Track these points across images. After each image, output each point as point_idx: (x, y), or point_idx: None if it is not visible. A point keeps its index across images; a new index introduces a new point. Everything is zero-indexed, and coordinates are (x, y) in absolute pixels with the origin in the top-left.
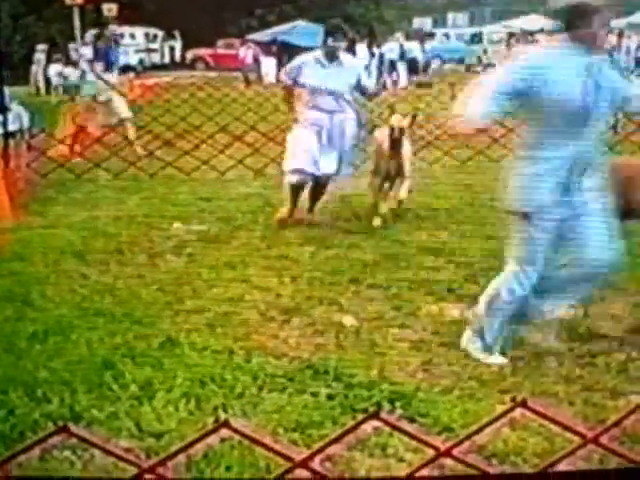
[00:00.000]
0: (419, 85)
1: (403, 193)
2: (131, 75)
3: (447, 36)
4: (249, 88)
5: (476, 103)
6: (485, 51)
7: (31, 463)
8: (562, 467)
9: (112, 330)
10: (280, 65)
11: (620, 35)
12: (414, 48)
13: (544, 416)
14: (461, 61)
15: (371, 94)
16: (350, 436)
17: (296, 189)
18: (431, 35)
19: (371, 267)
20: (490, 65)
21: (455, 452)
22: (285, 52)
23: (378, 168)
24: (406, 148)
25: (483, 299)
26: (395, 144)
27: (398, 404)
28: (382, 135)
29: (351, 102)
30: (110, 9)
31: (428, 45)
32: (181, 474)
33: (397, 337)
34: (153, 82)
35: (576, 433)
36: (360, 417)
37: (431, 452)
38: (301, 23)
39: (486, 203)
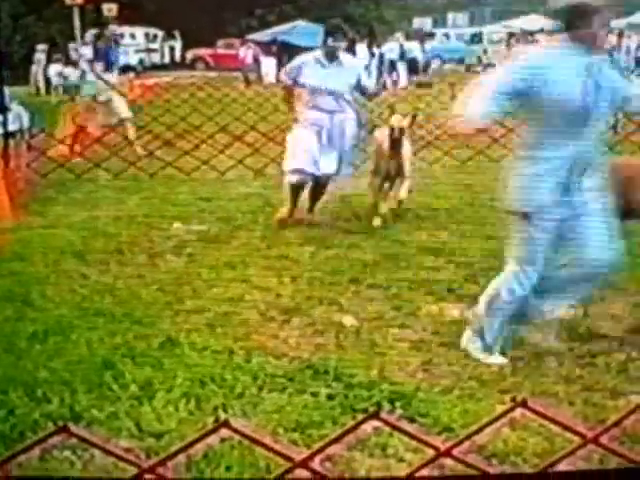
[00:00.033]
0: (419, 85)
1: (403, 193)
2: (131, 75)
3: (447, 36)
4: (249, 88)
5: (476, 103)
6: (485, 51)
7: (31, 463)
8: (562, 467)
9: (112, 330)
10: (280, 65)
11: (620, 35)
12: (414, 48)
13: (544, 416)
14: (461, 61)
15: (371, 94)
16: (350, 436)
17: (296, 189)
18: (431, 35)
19: (371, 267)
20: (490, 65)
21: (455, 452)
22: (285, 52)
23: (378, 168)
24: (406, 148)
25: (483, 299)
26: (395, 144)
27: (398, 404)
28: (382, 135)
29: (351, 102)
30: (110, 9)
31: (428, 45)
32: (181, 474)
33: (397, 337)
34: (153, 82)
35: (576, 433)
36: (360, 417)
37: (431, 452)
38: (301, 23)
39: (486, 203)
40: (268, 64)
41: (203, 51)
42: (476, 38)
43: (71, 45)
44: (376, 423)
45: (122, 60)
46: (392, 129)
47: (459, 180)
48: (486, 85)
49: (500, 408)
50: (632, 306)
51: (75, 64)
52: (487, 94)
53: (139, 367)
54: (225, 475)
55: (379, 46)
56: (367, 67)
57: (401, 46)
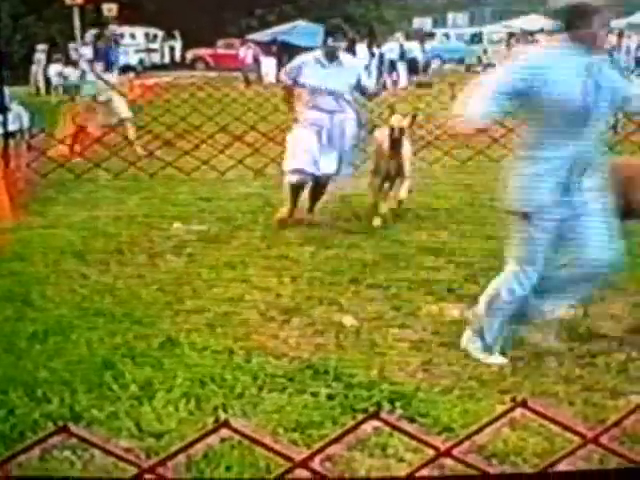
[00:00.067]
0: (419, 85)
1: (403, 193)
2: (131, 75)
3: (447, 36)
4: (249, 88)
5: (476, 103)
6: (485, 51)
7: (31, 463)
8: (562, 467)
9: (112, 330)
10: (280, 65)
11: (620, 35)
12: (414, 48)
13: (544, 416)
14: (461, 61)
15: (371, 94)
16: (350, 436)
17: (296, 189)
18: (431, 35)
19: (371, 267)
20: (490, 65)
21: (455, 452)
22: (285, 52)
23: (378, 168)
24: (406, 148)
25: (483, 299)
26: (395, 144)
27: (398, 404)
28: (382, 135)
29: (351, 102)
30: (110, 9)
31: (428, 45)
32: (181, 474)
33: (397, 337)
34: (153, 82)
35: (576, 433)
36: (360, 417)
37: (431, 452)
38: (301, 23)
39: (486, 203)
40: (268, 64)
41: (203, 51)
42: (476, 38)
43: (71, 45)
44: (376, 423)
45: (122, 60)
46: (392, 129)
47: (459, 180)
48: (486, 85)
49: (500, 408)
50: (632, 306)
51: (75, 64)
52: (487, 94)
53: (139, 367)
54: (225, 475)
55: (379, 46)
56: (367, 67)
57: (401, 46)
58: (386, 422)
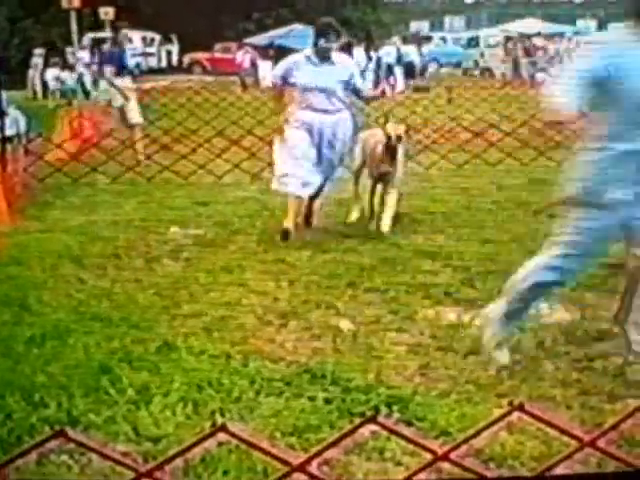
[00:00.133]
0: (416, 89)
1: (393, 200)
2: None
3: (444, 40)
4: (246, 92)
5: (559, 93)
6: (482, 55)
7: (28, 467)
8: (560, 471)
9: (109, 334)
10: None
11: None
12: (411, 52)
13: (541, 420)
14: (458, 65)
15: (368, 98)
16: (347, 440)
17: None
18: (428, 39)
19: (368, 271)
20: (487, 69)
21: (452, 456)
22: (282, 56)
23: (369, 172)
24: (400, 157)
25: (510, 283)
26: (391, 152)
27: (395, 408)
28: (372, 138)
29: (346, 103)
30: (107, 13)
31: (425, 49)
32: (178, 478)
33: (394, 341)
34: (150, 86)
35: (573, 437)
36: (357, 421)
37: (428, 456)
38: (298, 27)
39: (483, 207)
40: (265, 68)
41: (200, 55)
42: (473, 42)
43: (68, 49)
44: (373, 427)
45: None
46: (389, 137)
47: (455, 184)
48: (567, 75)
49: (497, 412)
50: None
51: (72, 68)
52: (568, 84)
53: (136, 371)
54: (222, 479)
55: (376, 50)
56: (364, 71)
57: (398, 50)
58: (383, 426)
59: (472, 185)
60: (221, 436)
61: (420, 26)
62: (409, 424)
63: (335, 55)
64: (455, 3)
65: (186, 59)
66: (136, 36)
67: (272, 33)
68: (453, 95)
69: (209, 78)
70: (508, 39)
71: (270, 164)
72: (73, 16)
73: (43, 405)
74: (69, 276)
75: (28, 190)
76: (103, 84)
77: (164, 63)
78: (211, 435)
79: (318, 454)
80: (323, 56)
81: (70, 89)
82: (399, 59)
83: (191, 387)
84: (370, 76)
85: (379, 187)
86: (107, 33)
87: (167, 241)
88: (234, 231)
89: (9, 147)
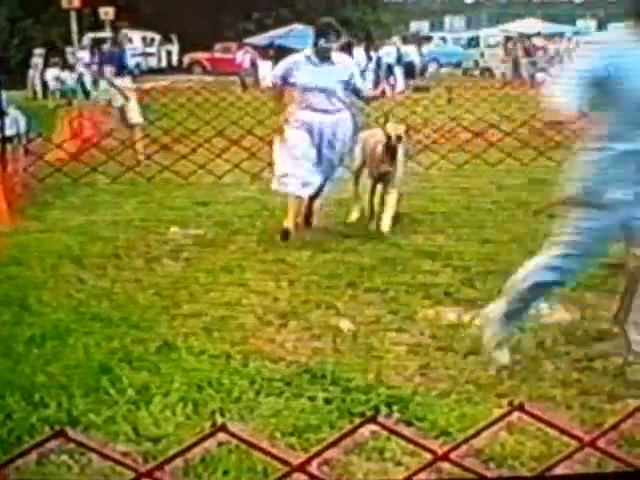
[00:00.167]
0: (416, 89)
1: (393, 200)
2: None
3: (444, 40)
4: (246, 92)
5: (559, 93)
6: (482, 55)
7: (28, 467)
8: (560, 471)
9: (109, 334)
10: None
11: None
12: (411, 52)
13: (541, 420)
14: (458, 65)
15: (368, 98)
16: (347, 440)
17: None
18: (428, 39)
19: (368, 271)
20: (487, 69)
21: (452, 456)
22: (282, 56)
23: (369, 172)
24: (400, 156)
25: (511, 283)
26: (391, 152)
27: (395, 408)
28: (372, 138)
29: (347, 103)
30: (107, 13)
31: (425, 49)
32: (178, 478)
33: (394, 341)
34: (150, 86)
35: (573, 437)
36: (357, 421)
37: (428, 456)
38: (298, 27)
39: (483, 207)
40: (265, 68)
41: (200, 55)
42: (473, 42)
43: (68, 49)
44: (373, 427)
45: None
46: (389, 137)
47: (455, 184)
48: (567, 74)
49: (497, 412)
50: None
51: (72, 68)
52: (569, 84)
53: (136, 371)
54: (222, 479)
55: (376, 50)
56: (364, 71)
57: (398, 50)
58: (383, 426)
59: (472, 185)
60: (221, 436)
61: (420, 26)
62: (409, 424)
63: (335, 55)
64: (455, 3)
65: (186, 59)
66: (136, 36)
67: (272, 33)
68: (453, 95)
69: (209, 78)
70: (508, 39)
71: (270, 164)
72: (73, 16)
73: (43, 405)
74: (69, 276)
75: (28, 190)
76: (103, 84)
77: (164, 63)
78: (211, 435)
79: (318, 454)
80: (323, 56)
81: (70, 89)
82: (399, 59)
83: (191, 387)
84: (370, 76)
85: (379, 187)
86: (107, 33)
87: (167, 241)
88: (234, 231)
89: (9, 147)
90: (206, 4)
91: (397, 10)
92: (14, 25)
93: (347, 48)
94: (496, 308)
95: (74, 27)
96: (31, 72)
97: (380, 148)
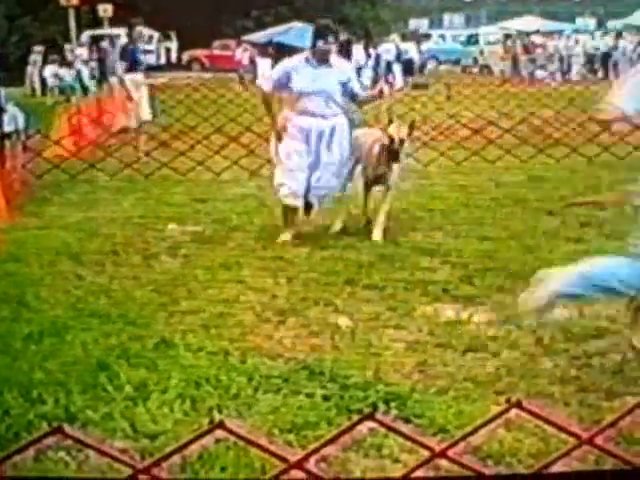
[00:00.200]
0: (415, 86)
1: (387, 205)
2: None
3: (443, 37)
4: (245, 89)
5: (615, 93)
6: (481, 52)
7: (26, 464)
8: (557, 468)
9: (107, 331)
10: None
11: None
12: (410, 49)
13: (539, 417)
14: (457, 62)
15: (362, 100)
16: (345, 437)
17: (291, 210)
18: (427, 36)
19: (366, 268)
20: (486, 66)
21: (450, 453)
22: (281, 53)
23: (364, 173)
24: (401, 160)
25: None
26: (392, 155)
27: (393, 405)
28: (370, 137)
29: (344, 107)
30: (105, 10)
31: (424, 46)
32: (176, 475)
33: (392, 338)
34: (148, 83)
35: (571, 434)
36: (355, 418)
37: (426, 453)
38: (297, 24)
39: (481, 204)
40: (264, 65)
41: (199, 52)
42: (472, 39)
43: (67, 46)
44: (371, 424)
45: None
46: (392, 139)
47: (454, 181)
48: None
49: (495, 409)
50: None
51: (71, 65)
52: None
53: (134, 368)
54: (220, 476)
55: (375, 47)
56: (362, 68)
57: (397, 47)
58: (381, 423)
59: (471, 182)
60: (219, 433)
61: (419, 23)
62: (407, 421)
63: (333, 58)
64: (454, 1)
65: (185, 56)
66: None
67: (271, 31)
68: (452, 92)
69: (208, 75)
70: (507, 37)
71: (269, 161)
72: (71, 13)
73: (41, 401)
74: (67, 273)
75: (26, 187)
76: (114, 80)
77: (163, 60)
78: (209, 432)
79: (316, 451)
80: (322, 58)
81: (68, 86)
82: (398, 56)
83: (189, 384)
84: (369, 73)
85: (373, 189)
86: (105, 30)
87: (165, 238)
88: (232, 228)
89: (7, 144)
90: (205, 1)
91: (396, 7)
92: (13, 22)
93: (346, 46)
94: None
95: (72, 24)
96: (29, 69)
97: (377, 149)
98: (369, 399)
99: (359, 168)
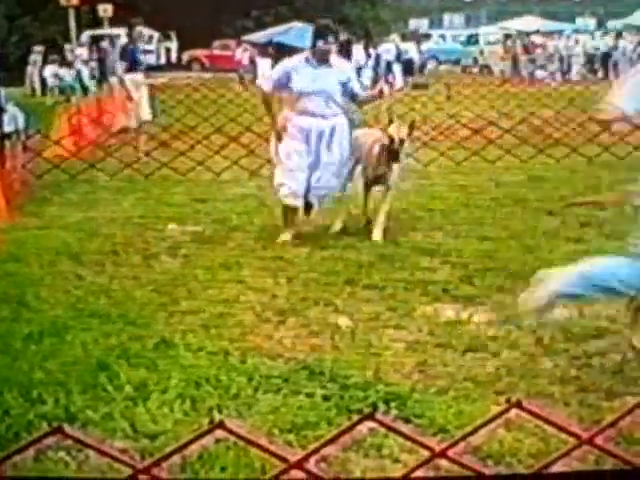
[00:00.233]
0: (415, 86)
1: (387, 205)
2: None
3: (443, 37)
4: (245, 89)
5: (623, 93)
6: (481, 52)
7: (26, 464)
8: (557, 468)
9: (107, 331)
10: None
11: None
12: (410, 49)
13: (539, 417)
14: (457, 62)
15: (361, 100)
16: (345, 437)
17: (292, 210)
18: (427, 36)
19: (366, 268)
20: (486, 66)
21: (450, 453)
22: (281, 53)
23: (364, 174)
24: (401, 160)
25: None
26: (393, 155)
27: (393, 405)
28: (370, 137)
29: (344, 107)
30: (105, 10)
31: (424, 46)
32: (176, 475)
33: (392, 338)
34: (148, 83)
35: (571, 434)
36: (355, 418)
37: (426, 453)
38: (297, 24)
39: (481, 204)
40: (264, 65)
41: (199, 52)
42: (472, 39)
43: (67, 46)
44: (371, 424)
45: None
46: (392, 140)
47: (454, 181)
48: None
49: (495, 409)
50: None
51: (70, 65)
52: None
53: (134, 368)
54: (220, 476)
55: (375, 47)
56: (362, 68)
57: (397, 47)
58: (381, 423)
59: (471, 182)
60: (219, 433)
61: (419, 23)
62: (407, 421)
63: (333, 58)
64: (454, 1)
65: (185, 56)
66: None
67: (271, 31)
68: (452, 92)
69: (208, 75)
70: (507, 37)
71: (269, 161)
72: (71, 13)
73: (41, 401)
74: (67, 273)
75: (26, 187)
76: (114, 80)
77: (163, 60)
78: (209, 432)
79: (316, 451)
80: (322, 58)
81: (68, 86)
82: (398, 56)
83: (189, 384)
84: (369, 73)
85: (373, 189)
86: (105, 30)
87: (165, 238)
88: (232, 228)
89: (7, 144)
90: (205, 1)
91: (396, 7)
92: (13, 22)
93: (346, 46)
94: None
95: (72, 24)
96: (30, 69)
97: (377, 149)
98: (369, 399)
99: (359, 168)
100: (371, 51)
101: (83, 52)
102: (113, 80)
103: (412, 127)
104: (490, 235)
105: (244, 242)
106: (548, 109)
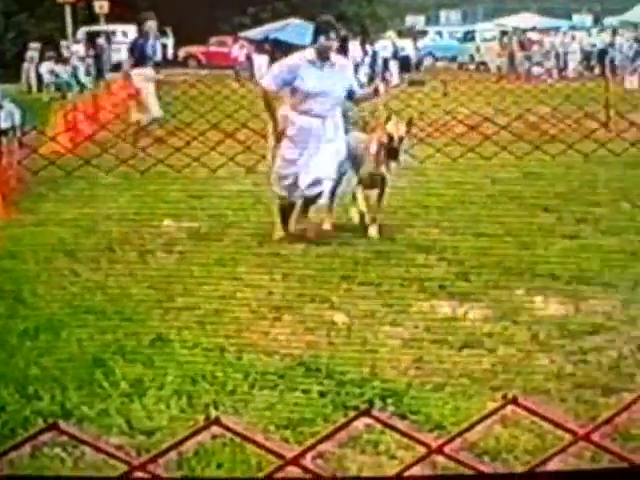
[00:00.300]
0: (411, 83)
1: (383, 202)
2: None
3: (440, 34)
4: (241, 86)
5: None
6: (478, 49)
7: (22, 460)
8: (554, 464)
9: (103, 328)
10: (272, 63)
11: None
12: (407, 46)
13: (535, 413)
14: (454, 59)
15: (358, 99)
16: (342, 433)
17: (288, 207)
18: (424, 33)
19: (362, 264)
20: (483, 63)
21: (446, 449)
22: (278, 50)
23: (362, 175)
24: (400, 158)
25: None
26: (392, 154)
27: (390, 401)
28: (366, 139)
29: (342, 105)
30: (101, 6)
31: (421, 43)
32: (172, 471)
33: (389, 334)
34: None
35: (567, 430)
36: (352, 414)
37: (423, 449)
38: (294, 21)
39: (477, 200)
40: (260, 62)
41: (195, 49)
42: (469, 36)
43: (63, 43)
44: (368, 420)
45: (114, 57)
46: (390, 138)
47: (450, 177)
48: None
49: (491, 405)
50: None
51: (67, 61)
52: None
53: (130, 364)
54: (216, 472)
55: (372, 44)
56: (359, 65)
57: (394, 44)
58: (378, 419)
59: (467, 179)
60: (215, 429)
61: (416, 20)
62: (403, 417)
63: (334, 56)
64: None
65: (181, 52)
66: (131, 30)
67: (268, 27)
68: (448, 89)
69: (204, 72)
70: (504, 33)
71: (265, 157)
72: (68, 10)
73: (36, 398)
74: (63, 269)
75: (22, 183)
76: (109, 76)
77: (159, 56)
78: (205, 428)
79: (312, 447)
80: (323, 55)
81: (65, 82)
82: (395, 53)
83: (185, 380)
84: (365, 70)
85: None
86: (102, 27)
87: (161, 234)
88: (228, 224)
89: (4, 140)
90: None
91: (393, 4)
92: (9, 19)
93: (343, 42)
94: None
95: (69, 21)
96: (26, 65)
97: (375, 147)
98: (365, 395)
99: (357, 167)
100: (368, 48)
101: (79, 49)
102: (109, 76)
103: (410, 124)
104: (486, 232)
105: (240, 238)
106: (544, 106)
